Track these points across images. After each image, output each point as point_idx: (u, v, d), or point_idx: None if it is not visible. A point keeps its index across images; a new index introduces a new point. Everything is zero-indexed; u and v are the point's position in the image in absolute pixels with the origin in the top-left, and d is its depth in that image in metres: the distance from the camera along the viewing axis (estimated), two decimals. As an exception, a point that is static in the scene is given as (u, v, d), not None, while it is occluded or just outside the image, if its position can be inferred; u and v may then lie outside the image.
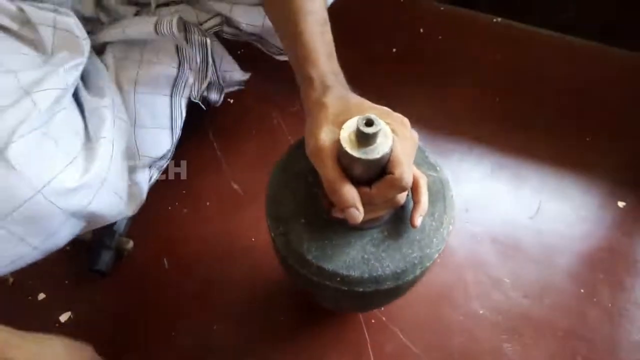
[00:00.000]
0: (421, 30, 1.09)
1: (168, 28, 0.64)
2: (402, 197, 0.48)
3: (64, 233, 0.54)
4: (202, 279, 0.79)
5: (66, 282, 0.79)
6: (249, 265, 0.80)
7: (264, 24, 0.71)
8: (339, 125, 0.45)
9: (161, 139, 0.72)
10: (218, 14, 0.72)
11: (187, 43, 0.68)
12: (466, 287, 0.80)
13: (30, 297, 0.78)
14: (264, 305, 0.78)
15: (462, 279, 0.80)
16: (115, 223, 0.78)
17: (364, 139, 0.42)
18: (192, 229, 0.84)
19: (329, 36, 0.52)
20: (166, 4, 0.71)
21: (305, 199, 0.53)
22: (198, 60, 0.71)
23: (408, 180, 0.44)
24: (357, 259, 0.51)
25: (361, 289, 0.50)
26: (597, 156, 0.93)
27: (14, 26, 0.57)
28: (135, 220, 0.83)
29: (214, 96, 0.79)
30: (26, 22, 0.57)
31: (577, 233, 0.85)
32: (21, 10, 0.57)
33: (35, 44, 0.58)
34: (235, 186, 0.88)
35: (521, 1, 1.08)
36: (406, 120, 0.47)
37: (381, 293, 0.51)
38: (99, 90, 0.62)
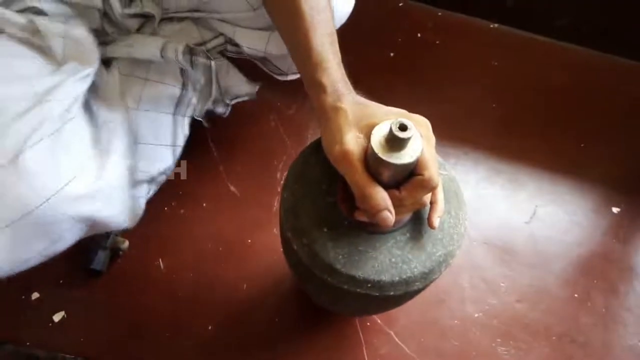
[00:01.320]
0: (418, 35, 1.10)
1: (174, 55, 0.65)
2: (428, 198, 0.48)
3: (68, 239, 0.54)
4: (197, 280, 0.79)
5: (60, 281, 0.78)
6: (245, 267, 0.80)
7: (266, 49, 0.72)
8: (362, 130, 0.45)
9: (163, 156, 0.72)
10: (221, 34, 0.73)
11: (193, 67, 0.69)
12: (461, 291, 0.80)
13: (24, 297, 0.77)
14: (259, 307, 0.77)
15: (458, 282, 0.80)
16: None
17: (397, 143, 0.42)
18: (189, 230, 0.84)
19: (337, 47, 0.52)
20: (170, 19, 0.72)
21: (324, 207, 0.53)
22: (202, 81, 0.72)
23: (437, 180, 0.45)
24: (385, 263, 0.50)
25: (392, 293, 0.50)
26: (592, 162, 0.94)
27: (24, 35, 0.57)
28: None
29: (220, 109, 0.80)
30: (36, 32, 0.57)
31: (571, 238, 0.86)
32: (31, 21, 0.57)
33: (46, 53, 0.58)
34: (232, 188, 0.88)
35: (518, 7, 1.09)
36: (427, 122, 0.48)
37: (410, 294, 0.51)
38: (109, 104, 0.63)
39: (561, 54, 1.08)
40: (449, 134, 0.96)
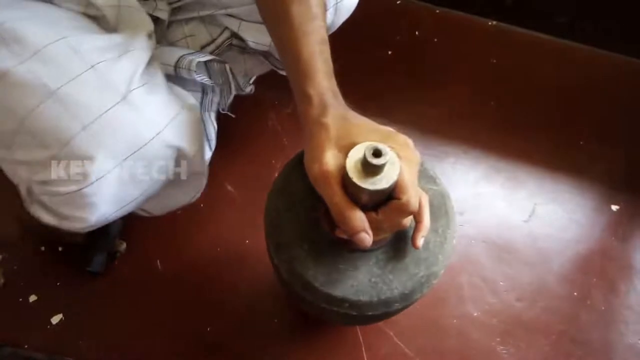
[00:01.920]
0: (417, 33, 1.09)
1: (188, 73, 0.65)
2: (407, 220, 0.47)
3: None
4: (195, 282, 0.79)
5: (58, 283, 0.78)
6: (243, 268, 0.80)
7: (271, 43, 0.71)
8: (343, 150, 0.44)
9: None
10: (227, 28, 0.72)
11: (210, 77, 0.69)
12: (460, 290, 0.80)
13: (21, 299, 0.77)
14: (257, 309, 0.77)
15: (457, 281, 0.80)
16: (108, 226, 0.77)
17: (371, 169, 0.41)
18: (186, 231, 0.83)
19: (327, 55, 0.51)
20: (178, 21, 0.72)
21: (306, 222, 0.52)
22: (220, 82, 0.72)
23: (415, 205, 0.44)
24: (365, 282, 0.49)
25: (370, 313, 0.49)
26: (591, 160, 0.93)
27: (79, 9, 0.58)
28: (129, 223, 0.82)
29: (246, 91, 0.80)
30: (90, 4, 0.59)
31: (571, 236, 0.85)
32: None
33: (100, 22, 0.60)
34: (230, 188, 0.88)
35: (517, 5, 1.08)
36: (410, 142, 0.47)
37: (390, 314, 0.51)
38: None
39: (561, 52, 1.08)
40: (448, 132, 0.95)
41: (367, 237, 0.44)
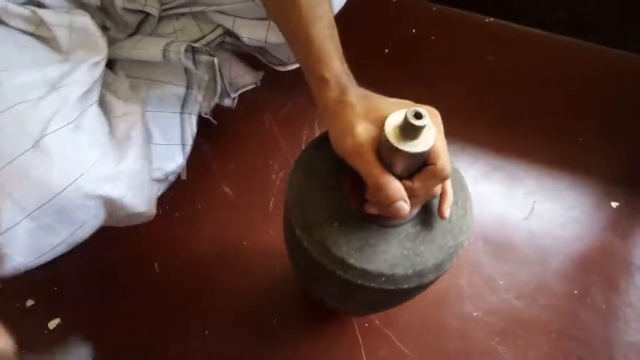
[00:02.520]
0: (413, 30, 1.09)
1: (176, 56, 0.64)
2: (438, 188, 0.48)
3: (92, 223, 0.54)
4: (193, 283, 0.79)
5: (55, 288, 0.78)
6: (241, 269, 0.79)
7: (267, 38, 0.71)
8: (372, 122, 0.45)
9: (173, 155, 0.73)
10: (219, 26, 0.72)
11: (196, 66, 0.68)
12: (460, 289, 0.79)
13: (18, 304, 0.76)
14: (256, 309, 0.77)
15: (456, 281, 0.80)
16: None
17: (412, 132, 0.41)
18: (184, 233, 0.83)
19: (337, 40, 0.52)
20: (168, 16, 0.71)
21: (332, 202, 0.52)
22: (206, 79, 0.71)
23: (449, 170, 0.44)
24: (398, 255, 0.49)
25: (406, 286, 0.49)
26: (591, 157, 0.93)
27: (30, 28, 0.57)
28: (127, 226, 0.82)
29: (227, 101, 0.80)
30: (41, 23, 0.57)
31: (570, 234, 0.85)
32: (35, 13, 0.57)
33: (52, 44, 0.58)
34: (227, 189, 0.87)
35: (513, 1, 1.08)
36: (437, 112, 0.47)
37: (422, 286, 0.51)
38: (125, 98, 0.63)
39: (558, 48, 1.07)
40: (446, 130, 0.94)
41: (404, 206, 0.44)
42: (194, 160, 0.89)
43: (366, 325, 0.75)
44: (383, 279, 0.49)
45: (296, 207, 0.52)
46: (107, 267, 0.79)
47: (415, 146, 0.42)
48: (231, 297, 0.78)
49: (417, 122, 0.40)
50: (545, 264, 0.82)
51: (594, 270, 0.81)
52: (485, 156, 0.93)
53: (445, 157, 0.44)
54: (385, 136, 0.42)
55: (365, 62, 1.03)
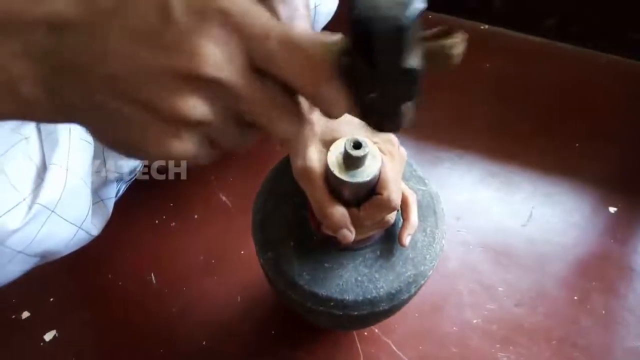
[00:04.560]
0: (409, 38, 1.09)
1: None
2: (391, 217, 0.47)
3: (13, 268, 0.52)
4: (190, 294, 0.78)
5: (51, 299, 0.77)
6: (239, 279, 0.79)
7: None
8: (327, 145, 0.44)
9: None
10: None
11: None
12: (459, 297, 0.79)
13: (14, 316, 0.76)
14: (254, 320, 0.76)
15: (455, 288, 0.79)
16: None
17: (352, 161, 0.41)
18: (180, 243, 0.82)
19: None
20: None
21: (294, 221, 0.52)
22: None
23: (396, 202, 0.43)
24: (351, 281, 0.49)
25: (356, 313, 0.48)
26: (588, 161, 0.93)
27: None
28: (122, 236, 0.81)
29: None
30: None
31: (569, 239, 0.85)
32: None
33: None
34: (224, 198, 0.87)
35: (507, 8, 1.08)
36: (394, 138, 0.46)
37: (376, 314, 0.50)
38: None
39: (553, 54, 1.08)
40: (442, 137, 0.95)
41: (348, 234, 0.43)
42: (190, 169, 0.89)
43: (365, 333, 0.75)
44: (332, 303, 0.48)
45: (258, 224, 0.52)
46: (103, 278, 0.79)
47: (356, 176, 0.41)
48: (229, 308, 0.77)
49: (354, 153, 0.40)
50: (544, 270, 0.81)
51: (594, 276, 0.81)
52: (482, 163, 0.93)
53: (392, 188, 0.43)
54: (327, 164, 0.42)
55: None
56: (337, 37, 0.25)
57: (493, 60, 1.06)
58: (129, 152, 0.26)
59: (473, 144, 0.94)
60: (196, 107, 0.23)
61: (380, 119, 0.30)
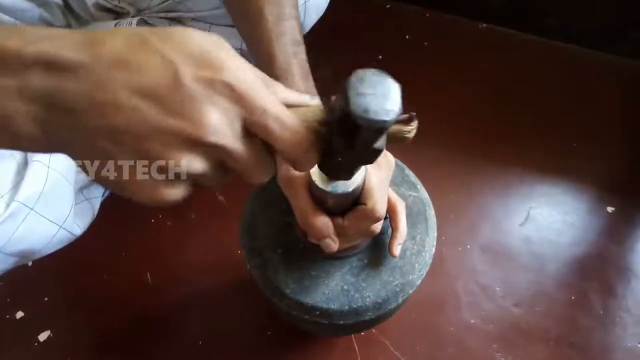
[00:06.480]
0: (407, 37, 1.09)
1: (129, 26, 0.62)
2: (377, 227, 0.46)
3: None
4: (186, 294, 0.77)
5: (45, 299, 0.76)
6: (235, 279, 0.78)
7: (242, 47, 0.70)
8: None
9: None
10: None
11: None
12: (457, 297, 0.78)
13: (8, 316, 0.75)
14: (251, 320, 0.76)
15: (453, 288, 0.79)
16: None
17: None
18: (177, 243, 0.82)
19: (302, 56, 0.49)
20: (144, 21, 0.70)
21: (281, 228, 0.51)
22: None
23: (381, 212, 0.43)
24: (336, 290, 0.48)
25: (341, 322, 0.48)
26: (586, 162, 0.93)
27: None
28: (120, 236, 0.81)
29: None
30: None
31: (566, 240, 0.84)
32: None
33: None
34: (221, 198, 0.86)
35: (507, 7, 1.08)
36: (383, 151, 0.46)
37: (362, 324, 0.49)
38: None
39: (551, 53, 1.07)
40: (440, 137, 0.94)
41: (331, 243, 0.43)
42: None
43: (362, 334, 0.74)
44: (317, 312, 0.48)
45: (245, 230, 0.52)
46: (98, 278, 0.78)
47: (338, 187, 0.40)
48: (225, 308, 0.77)
49: None
50: (542, 270, 0.81)
51: (591, 276, 0.81)
52: (479, 163, 0.92)
53: (377, 198, 0.42)
54: (309, 174, 0.41)
55: (358, 69, 1.03)
56: (319, 107, 0.31)
57: (491, 60, 1.05)
58: (115, 190, 0.28)
59: (471, 144, 0.94)
60: (194, 163, 0.27)
61: (338, 174, 0.37)
